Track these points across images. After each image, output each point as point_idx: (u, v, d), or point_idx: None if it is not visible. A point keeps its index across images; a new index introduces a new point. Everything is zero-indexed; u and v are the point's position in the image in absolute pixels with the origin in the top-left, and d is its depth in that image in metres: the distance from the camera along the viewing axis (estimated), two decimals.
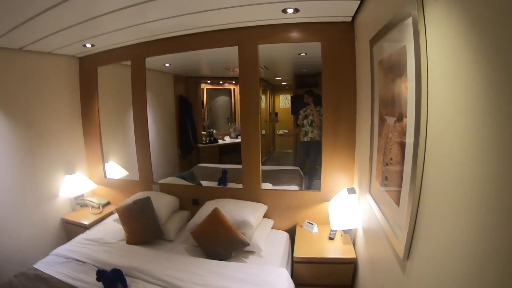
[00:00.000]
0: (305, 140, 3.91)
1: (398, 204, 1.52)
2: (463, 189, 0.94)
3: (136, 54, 3.63)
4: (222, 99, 5.00)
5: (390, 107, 1.70)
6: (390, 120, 1.68)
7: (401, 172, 1.47)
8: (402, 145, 1.46)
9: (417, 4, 1.21)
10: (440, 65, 1.10)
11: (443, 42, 1.07)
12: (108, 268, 2.40)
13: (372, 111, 2.07)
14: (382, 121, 1.86)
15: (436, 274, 1.11)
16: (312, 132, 3.86)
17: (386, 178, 1.77)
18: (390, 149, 1.67)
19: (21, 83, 3.33)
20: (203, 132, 4.81)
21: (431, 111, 1.17)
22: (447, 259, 1.02)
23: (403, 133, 1.45)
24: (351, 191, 2.70)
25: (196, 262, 2.66)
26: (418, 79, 1.22)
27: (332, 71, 2.91)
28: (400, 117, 1.50)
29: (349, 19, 2.75)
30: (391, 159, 1.66)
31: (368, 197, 2.17)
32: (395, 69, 1.59)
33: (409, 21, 1.30)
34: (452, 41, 1.01)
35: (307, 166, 4.01)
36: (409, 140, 1.35)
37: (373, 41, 1.99)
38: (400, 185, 1.48)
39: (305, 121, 3.88)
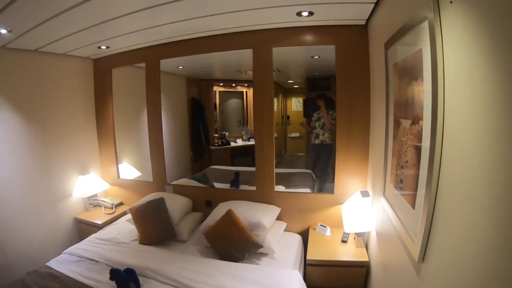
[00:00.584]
0: (316, 142, 3.91)
1: (413, 207, 1.51)
2: (479, 192, 0.94)
3: (150, 56, 3.68)
4: (234, 102, 5.01)
5: (405, 110, 1.70)
6: (406, 123, 1.67)
7: (417, 175, 1.46)
8: (418, 148, 1.45)
9: (433, 8, 1.21)
10: (457, 68, 1.10)
11: (459, 45, 1.07)
12: (121, 268, 2.42)
13: (387, 114, 2.06)
14: (397, 124, 1.86)
15: (451, 276, 1.11)
16: (323, 135, 3.86)
17: (401, 181, 1.77)
18: (406, 152, 1.67)
19: (36, 84, 3.40)
20: (215, 135, 4.83)
21: (448, 114, 1.17)
22: (462, 261, 1.02)
23: (419, 136, 1.45)
24: (365, 194, 2.69)
25: (208, 263, 2.68)
26: (434, 82, 1.22)
27: (346, 74, 2.91)
28: (416, 120, 1.49)
29: (363, 22, 2.75)
30: (407, 162, 1.65)
31: (382, 200, 2.16)
32: (410, 72, 1.59)
33: (425, 24, 1.29)
34: (468, 44, 1.01)
35: (318, 169, 4.01)
36: (425, 143, 1.34)
37: (388, 44, 1.98)
38: (416, 188, 1.48)
39: (316, 124, 3.89)
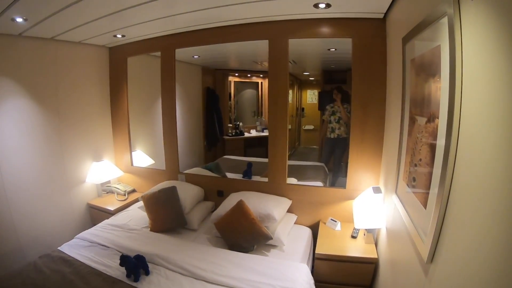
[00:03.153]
0: (332, 136, 3.87)
1: (425, 206, 1.49)
2: (494, 194, 0.92)
3: (166, 46, 3.68)
4: (249, 92, 4.99)
5: (421, 107, 1.66)
6: (421, 120, 1.64)
7: (430, 173, 1.44)
8: (433, 146, 1.43)
9: (453, 3, 1.17)
10: (475, 66, 1.07)
11: (479, 43, 1.04)
12: (131, 254, 2.46)
13: (403, 110, 2.02)
14: (412, 121, 1.82)
15: (459, 279, 1.09)
16: (339, 129, 3.81)
17: (414, 179, 1.74)
18: (420, 149, 1.64)
19: (52, 71, 3.44)
20: (229, 125, 4.83)
21: (464, 113, 1.14)
22: (473, 265, 1.00)
23: (434, 134, 1.42)
24: (377, 190, 2.67)
25: (218, 253, 2.70)
26: (452, 80, 1.19)
27: (362, 68, 2.87)
28: (432, 118, 1.46)
29: (381, 16, 2.69)
30: (420, 160, 1.63)
31: (394, 197, 2.14)
32: (427, 69, 1.56)
33: (444, 20, 1.26)
34: (489, 42, 0.98)
35: (332, 163, 3.97)
36: (440, 142, 1.32)
37: (406, 39, 1.94)
38: (429, 187, 1.45)
39: (332, 118, 3.84)
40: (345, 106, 3.68)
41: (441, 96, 1.34)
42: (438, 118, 1.38)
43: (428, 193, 1.46)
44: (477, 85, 1.06)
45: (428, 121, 1.53)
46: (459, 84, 1.16)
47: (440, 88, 1.36)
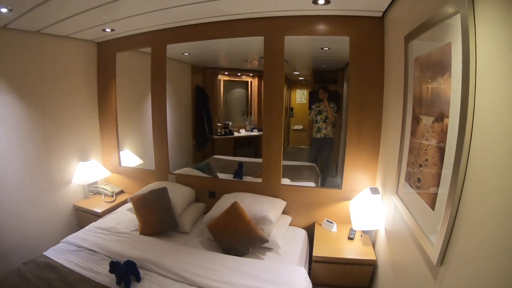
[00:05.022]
0: (318, 136, 3.84)
1: (433, 207, 1.46)
2: (508, 194, 0.90)
3: (157, 41, 3.59)
4: (238, 91, 4.94)
5: (428, 106, 1.63)
6: (427, 119, 1.61)
7: (439, 174, 1.41)
8: (441, 147, 1.39)
9: (467, 2, 1.15)
10: (490, 66, 1.05)
11: (495, 43, 1.02)
12: (121, 259, 2.38)
13: (404, 109, 1.99)
14: (416, 120, 1.79)
15: (473, 283, 1.07)
16: (325, 128, 3.79)
17: (419, 180, 1.71)
18: (426, 150, 1.61)
19: (37, 66, 3.31)
20: (218, 124, 4.77)
21: (478, 112, 1.12)
22: (488, 268, 0.98)
23: (443, 134, 1.39)
24: (375, 191, 2.64)
25: (212, 257, 2.63)
26: (465, 79, 1.16)
27: (360, 66, 2.84)
28: (440, 117, 1.43)
29: (380, 14, 2.67)
30: (426, 160, 1.59)
31: (395, 198, 2.11)
32: (435, 67, 1.53)
33: (456, 17, 1.24)
34: (504, 42, 0.97)
35: (320, 163, 3.95)
36: (451, 141, 1.29)
37: (409, 37, 1.91)
38: (437, 188, 1.43)
39: (318, 117, 3.81)
40: (332, 105, 3.65)
41: (452, 95, 1.31)
42: (447, 117, 1.35)
43: (436, 194, 1.44)
44: (492, 84, 1.04)
45: (436, 120, 1.49)
46: (472, 83, 1.14)
47: (450, 87, 1.33)
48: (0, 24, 2.83)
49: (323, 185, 3.71)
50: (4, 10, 2.47)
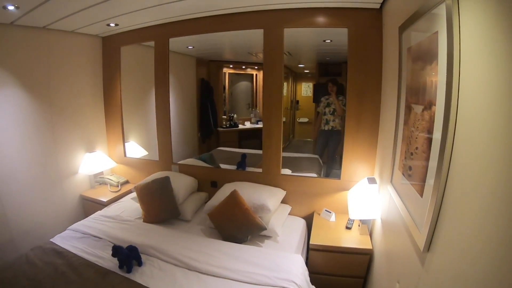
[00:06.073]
0: (326, 128, 3.86)
1: (421, 195, 1.48)
2: (489, 183, 0.92)
3: (160, 35, 3.64)
4: (243, 84, 4.96)
5: (418, 95, 1.65)
6: (418, 108, 1.63)
7: (427, 162, 1.43)
8: (430, 134, 1.42)
9: None
10: (473, 53, 1.07)
11: (477, 31, 1.04)
12: (124, 245, 2.43)
13: (399, 99, 2.02)
14: (408, 109, 1.81)
15: (456, 268, 1.09)
16: (333, 121, 3.79)
17: (410, 168, 1.73)
18: (416, 138, 1.63)
19: (45, 61, 3.38)
20: (223, 116, 4.80)
21: (462, 100, 1.14)
22: (471, 254, 0.99)
23: (431, 122, 1.41)
24: (372, 181, 2.66)
25: (212, 244, 2.69)
26: (449, 67, 1.18)
27: (358, 58, 2.85)
28: (429, 105, 1.45)
29: (378, 6, 2.67)
30: (417, 148, 1.62)
31: (389, 187, 2.13)
32: (425, 56, 1.55)
33: (442, 6, 1.25)
34: (487, 30, 0.98)
35: (326, 155, 3.97)
36: (437, 129, 1.31)
37: (402, 28, 1.93)
38: (425, 176, 1.45)
39: (326, 110, 3.82)
40: (340, 98, 3.66)
41: (439, 83, 1.32)
42: (435, 105, 1.37)
43: (424, 181, 1.45)
44: (475, 71, 1.06)
45: (425, 108, 1.51)
46: (456, 71, 1.16)
47: (437, 75, 1.34)
48: (8, 21, 2.90)
49: (327, 177, 3.73)
50: (11, 7, 2.54)
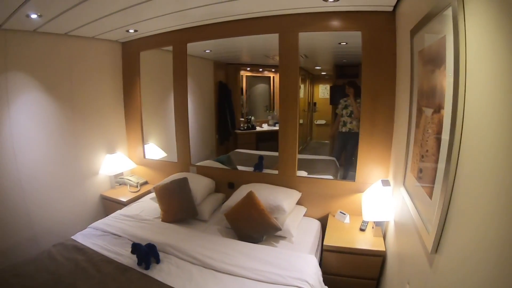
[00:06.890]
0: (343, 130, 3.86)
1: (431, 197, 1.50)
2: (496, 185, 0.92)
3: (177, 40, 3.74)
4: (261, 87, 5.00)
5: (428, 98, 1.66)
6: (428, 111, 1.64)
7: (436, 164, 1.44)
8: (439, 135, 1.43)
9: None
10: (479, 57, 1.07)
11: (483, 34, 1.05)
12: (143, 243, 2.51)
13: (411, 101, 2.03)
14: (420, 112, 1.82)
15: (463, 269, 1.10)
16: (350, 123, 3.80)
17: (420, 171, 1.75)
18: (427, 140, 1.65)
19: (66, 66, 3.52)
20: (241, 119, 4.85)
21: (468, 103, 1.14)
22: (477, 256, 1.00)
23: (440, 125, 1.43)
24: (386, 183, 2.67)
25: (228, 243, 2.75)
26: (456, 70, 1.20)
27: (372, 61, 2.86)
28: (438, 109, 1.47)
29: (391, 9, 2.68)
30: (427, 151, 1.63)
31: (402, 189, 2.14)
32: (434, 60, 1.56)
33: (449, 10, 1.27)
34: (491, 34, 0.99)
35: (343, 158, 3.96)
36: (445, 132, 1.32)
37: (414, 31, 1.94)
38: (434, 178, 1.46)
39: (344, 112, 3.83)
40: (358, 101, 3.66)
41: (447, 87, 1.34)
42: (443, 108, 1.38)
43: (434, 183, 1.46)
44: (480, 75, 1.06)
45: (435, 112, 1.53)
46: (463, 74, 1.17)
47: (445, 79, 1.36)
48: (31, 28, 3.04)
49: (344, 179, 3.73)
50: (34, 16, 2.65)
